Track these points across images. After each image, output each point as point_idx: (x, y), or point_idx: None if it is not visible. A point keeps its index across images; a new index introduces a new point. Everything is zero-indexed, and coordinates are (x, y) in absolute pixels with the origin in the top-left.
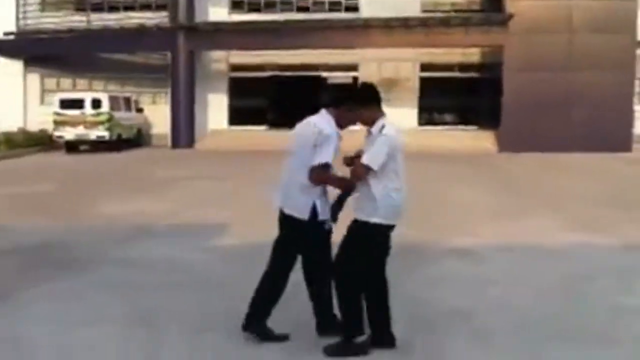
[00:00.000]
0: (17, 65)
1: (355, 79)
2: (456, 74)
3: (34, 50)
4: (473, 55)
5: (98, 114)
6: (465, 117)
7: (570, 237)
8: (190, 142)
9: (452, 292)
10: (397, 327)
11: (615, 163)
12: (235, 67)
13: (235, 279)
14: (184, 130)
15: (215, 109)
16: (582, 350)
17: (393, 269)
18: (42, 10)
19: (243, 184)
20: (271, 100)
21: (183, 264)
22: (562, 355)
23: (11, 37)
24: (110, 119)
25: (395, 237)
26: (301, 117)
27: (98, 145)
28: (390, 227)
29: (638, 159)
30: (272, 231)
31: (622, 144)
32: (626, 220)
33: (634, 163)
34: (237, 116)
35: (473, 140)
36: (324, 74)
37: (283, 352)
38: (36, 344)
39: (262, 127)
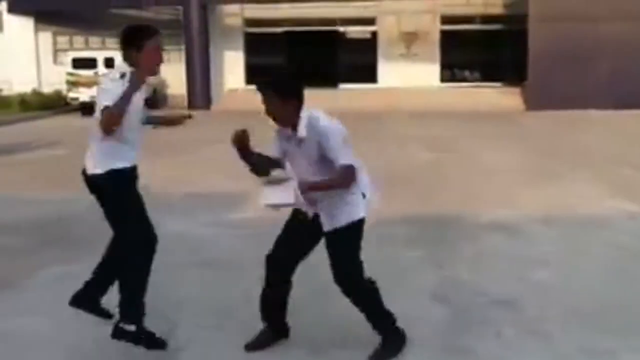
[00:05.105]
0: (28, 23)
1: (374, 33)
2: (479, 27)
3: (43, 6)
4: (495, 6)
5: None
6: (489, 73)
7: (615, 206)
8: (206, 103)
9: (494, 275)
10: (440, 315)
11: None
12: (250, 22)
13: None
14: (200, 90)
15: (231, 67)
16: None
17: (429, 244)
18: None
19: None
20: (287, 57)
21: (195, 240)
22: (627, 353)
23: None
24: None
25: (428, 208)
26: (318, 74)
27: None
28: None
29: None
30: None
31: None
32: None
33: None
34: (254, 74)
35: (499, 97)
36: (341, 29)
37: None
38: (36, 340)
39: None
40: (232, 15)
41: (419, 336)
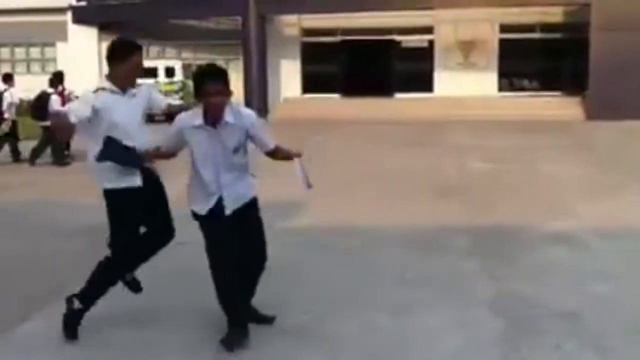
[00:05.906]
0: (91, 33)
1: (430, 42)
2: (538, 35)
3: (107, 16)
4: (555, 14)
5: (171, 83)
6: (548, 82)
7: None
8: (263, 112)
9: (553, 287)
10: (498, 326)
11: None
12: (307, 32)
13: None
14: (257, 98)
15: (288, 75)
16: None
17: (487, 255)
18: None
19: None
20: (343, 66)
21: None
22: None
23: (83, 3)
24: (183, 88)
25: (486, 219)
26: (374, 83)
27: (172, 115)
28: None
29: None
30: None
31: None
32: None
33: None
34: (310, 83)
35: (558, 107)
36: (398, 38)
37: None
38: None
39: (336, 95)
40: (290, 25)
41: (476, 347)
